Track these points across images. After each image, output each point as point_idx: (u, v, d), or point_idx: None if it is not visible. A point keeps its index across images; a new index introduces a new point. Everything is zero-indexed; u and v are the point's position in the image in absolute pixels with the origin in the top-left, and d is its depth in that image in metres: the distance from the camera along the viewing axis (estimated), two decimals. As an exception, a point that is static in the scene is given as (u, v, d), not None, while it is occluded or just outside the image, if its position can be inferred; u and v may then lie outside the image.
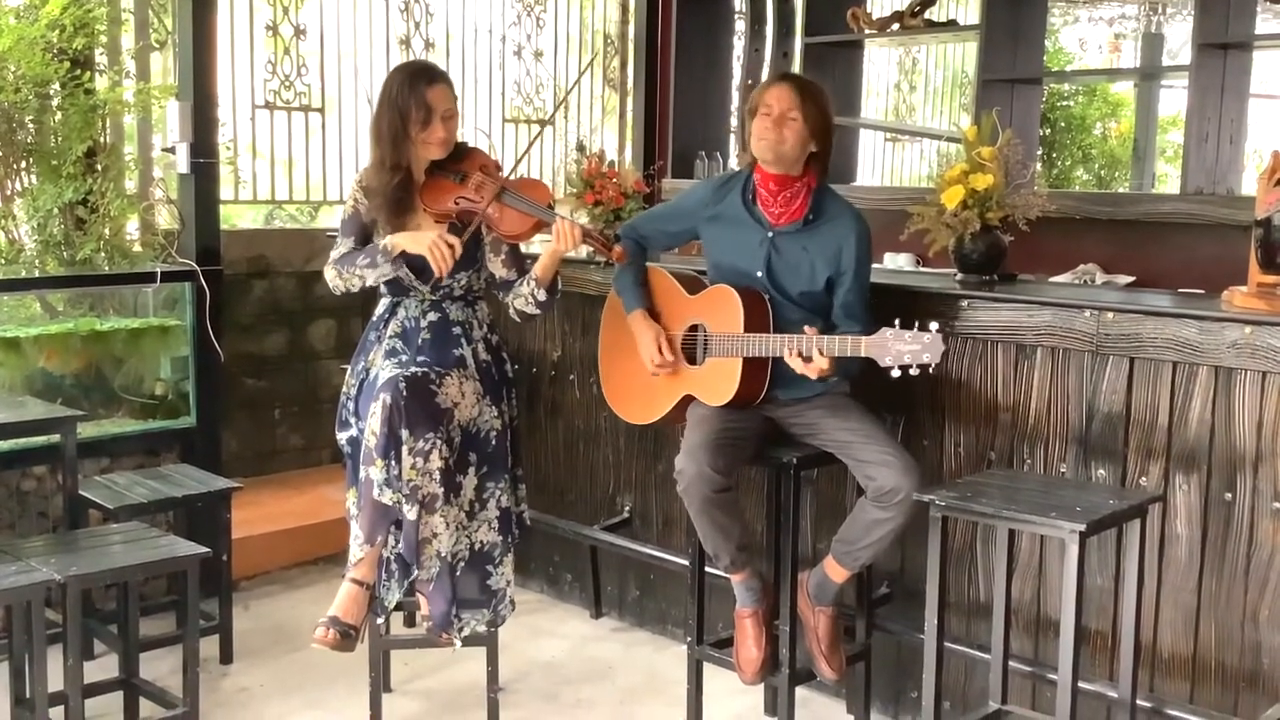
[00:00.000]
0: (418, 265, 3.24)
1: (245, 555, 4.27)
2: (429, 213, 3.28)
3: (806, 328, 3.03)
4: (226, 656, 3.89)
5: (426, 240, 3.16)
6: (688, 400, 3.28)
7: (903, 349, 2.89)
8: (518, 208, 3.23)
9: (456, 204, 3.26)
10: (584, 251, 3.66)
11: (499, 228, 3.26)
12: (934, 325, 2.89)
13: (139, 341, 4.53)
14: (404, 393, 3.10)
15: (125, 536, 3.34)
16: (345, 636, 3.14)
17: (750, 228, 3.26)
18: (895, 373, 2.90)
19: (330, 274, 3.35)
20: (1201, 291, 3.48)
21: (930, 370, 2.90)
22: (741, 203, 3.28)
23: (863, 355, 2.96)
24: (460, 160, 3.32)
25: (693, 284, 3.38)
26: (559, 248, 3.21)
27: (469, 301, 3.38)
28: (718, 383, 3.20)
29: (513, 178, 3.38)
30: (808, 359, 3.00)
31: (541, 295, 3.31)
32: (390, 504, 3.12)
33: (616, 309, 3.48)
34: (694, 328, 3.29)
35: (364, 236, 3.33)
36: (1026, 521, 2.71)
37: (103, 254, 4.45)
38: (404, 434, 3.09)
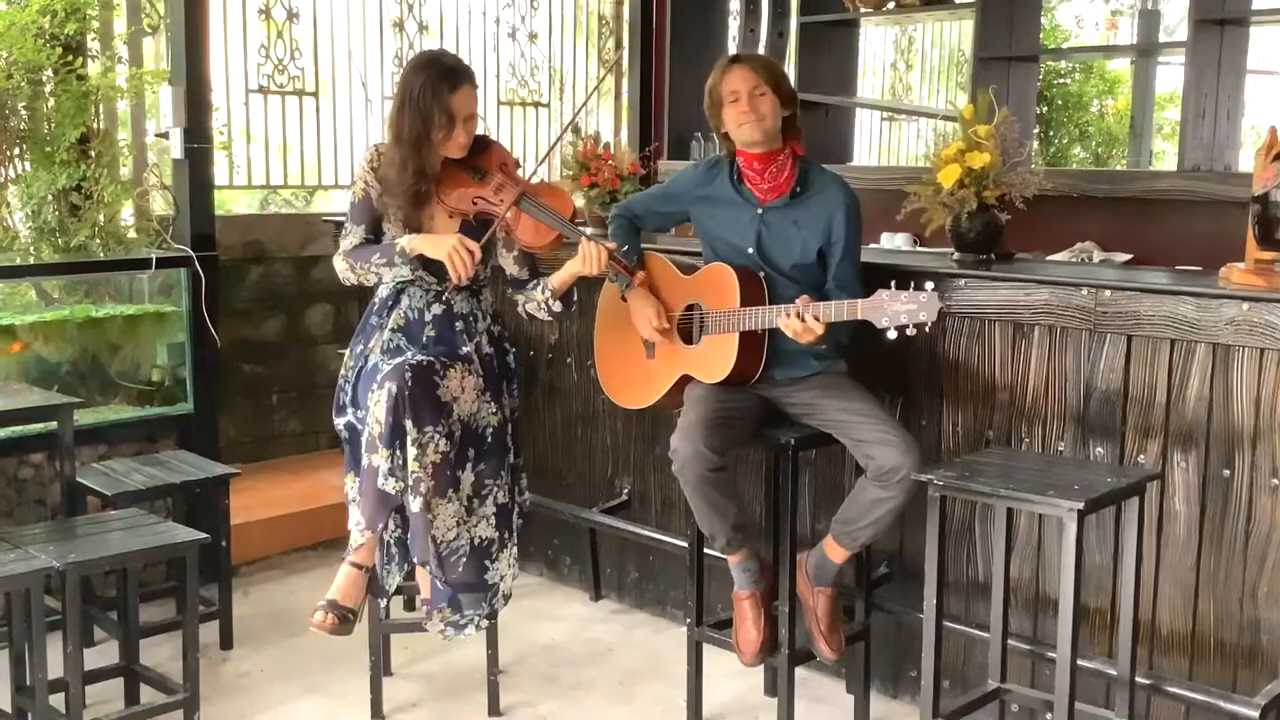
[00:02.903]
0: (432, 263, 3.20)
1: (244, 541, 4.27)
2: (444, 206, 3.24)
3: (800, 298, 3.03)
4: (226, 642, 3.89)
5: (446, 246, 3.12)
6: (684, 382, 3.28)
7: (899, 309, 2.88)
8: (538, 218, 3.18)
9: (474, 204, 3.21)
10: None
11: (516, 234, 3.22)
12: (929, 284, 2.88)
13: (135, 328, 4.52)
14: (409, 382, 3.08)
15: (124, 523, 3.34)
16: (343, 620, 3.14)
17: (740, 207, 3.28)
18: (892, 334, 2.89)
19: (341, 265, 3.29)
20: (1199, 268, 3.47)
21: (927, 329, 2.88)
22: (730, 184, 3.30)
23: (859, 318, 2.95)
24: (479, 155, 3.25)
25: (688, 268, 3.39)
26: (582, 270, 3.20)
27: (474, 291, 3.35)
28: (714, 359, 3.20)
29: (533, 181, 3.31)
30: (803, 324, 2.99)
31: (556, 306, 3.33)
32: (394, 493, 3.11)
33: (611, 297, 3.48)
34: (690, 307, 3.29)
35: (375, 224, 3.27)
36: (1025, 500, 2.71)
37: (97, 240, 4.44)
38: (408, 424, 3.07)
